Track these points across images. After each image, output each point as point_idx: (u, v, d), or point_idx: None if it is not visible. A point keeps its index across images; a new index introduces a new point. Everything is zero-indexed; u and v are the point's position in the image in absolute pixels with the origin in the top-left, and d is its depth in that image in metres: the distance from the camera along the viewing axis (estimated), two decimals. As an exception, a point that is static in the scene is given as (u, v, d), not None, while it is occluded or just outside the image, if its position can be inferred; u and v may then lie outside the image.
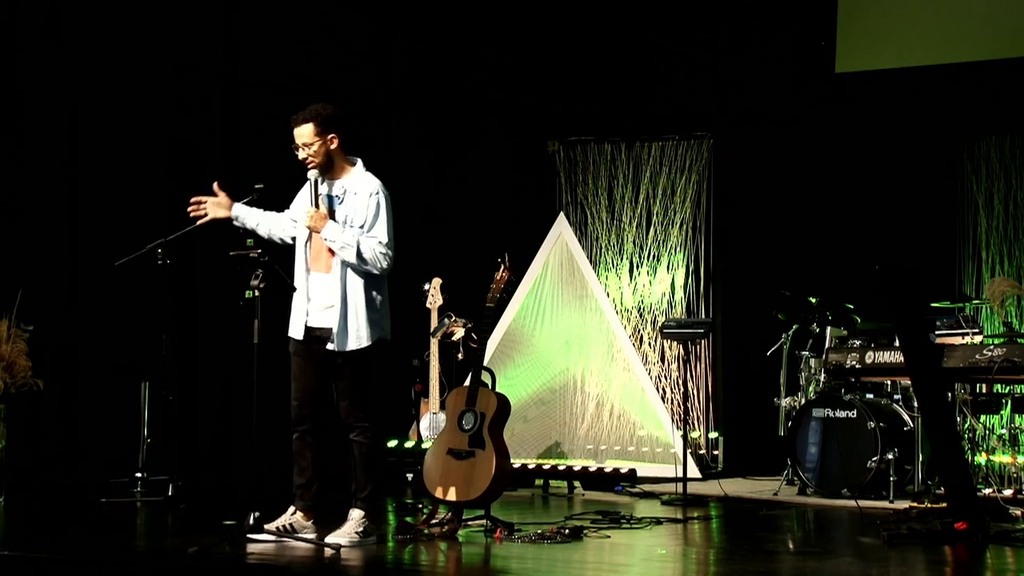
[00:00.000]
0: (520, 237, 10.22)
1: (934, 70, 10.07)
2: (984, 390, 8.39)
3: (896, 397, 9.07)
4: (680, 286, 10.56)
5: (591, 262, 10.57)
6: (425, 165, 10.97)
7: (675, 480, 9.02)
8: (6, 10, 9.17)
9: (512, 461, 7.86)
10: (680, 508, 8.33)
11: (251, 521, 6.62)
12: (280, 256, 6.88)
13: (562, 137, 10.96)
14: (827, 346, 9.18)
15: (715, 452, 10.33)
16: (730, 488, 9.18)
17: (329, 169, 6.81)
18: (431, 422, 9.61)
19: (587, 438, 10.22)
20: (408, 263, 10.11)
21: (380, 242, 6.72)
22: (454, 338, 7.68)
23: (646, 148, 10.74)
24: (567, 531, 7.13)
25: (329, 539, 6.67)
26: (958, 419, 8.26)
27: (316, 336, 6.77)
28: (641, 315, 10.62)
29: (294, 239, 6.92)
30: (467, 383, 7.47)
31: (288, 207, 7.03)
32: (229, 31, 10.10)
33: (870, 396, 9.11)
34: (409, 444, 9.67)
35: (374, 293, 6.78)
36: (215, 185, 6.92)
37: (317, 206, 6.77)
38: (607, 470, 9.55)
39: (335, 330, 6.71)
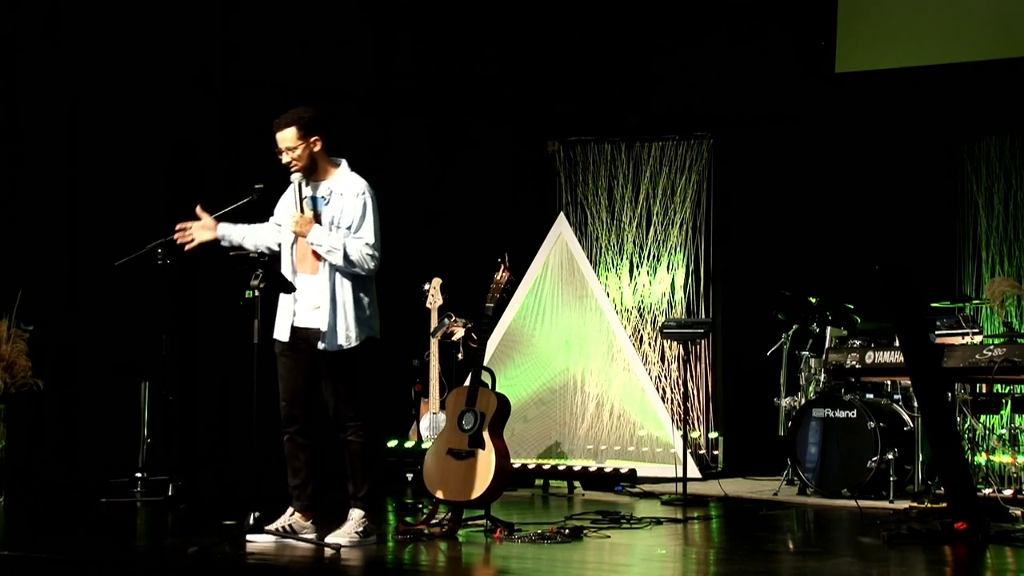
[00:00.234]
0: (520, 237, 10.21)
1: (934, 70, 10.07)
2: (984, 390, 8.39)
3: (896, 397, 9.07)
4: (680, 286, 10.56)
5: (591, 262, 10.57)
6: (425, 165, 10.97)
7: (675, 480, 9.02)
8: (6, 10, 9.17)
9: (512, 461, 7.86)
10: (680, 508, 8.33)
11: (251, 521, 6.62)
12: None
13: (562, 137, 10.96)
14: (827, 346, 9.18)
15: (715, 452, 10.33)
16: (730, 488, 9.18)
17: (313, 171, 6.81)
18: (431, 422, 9.61)
19: (587, 438, 10.22)
20: (408, 263, 10.18)
21: (367, 243, 6.72)
22: (454, 338, 7.68)
23: (646, 148, 10.74)
24: (567, 531, 7.13)
25: (329, 539, 6.67)
26: (958, 419, 8.26)
27: (303, 336, 6.77)
28: (641, 315, 10.62)
29: (280, 245, 6.92)
30: (467, 383, 7.47)
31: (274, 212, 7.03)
32: (229, 31, 10.10)
33: (870, 396, 9.11)
34: (409, 444, 9.67)
35: (362, 293, 6.78)
36: (197, 208, 6.92)
37: (302, 210, 6.76)
38: (607, 470, 9.55)
39: (324, 330, 6.70)
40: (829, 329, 9.34)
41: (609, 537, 7.18)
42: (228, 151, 9.89)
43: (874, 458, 8.62)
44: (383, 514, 7.90)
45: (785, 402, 9.54)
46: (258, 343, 6.66)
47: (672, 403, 10.27)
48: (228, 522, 7.33)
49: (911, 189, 10.09)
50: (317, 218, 6.76)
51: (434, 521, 7.27)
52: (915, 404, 8.57)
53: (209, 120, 9.90)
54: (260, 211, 7.08)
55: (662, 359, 10.50)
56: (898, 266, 7.31)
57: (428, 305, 9.56)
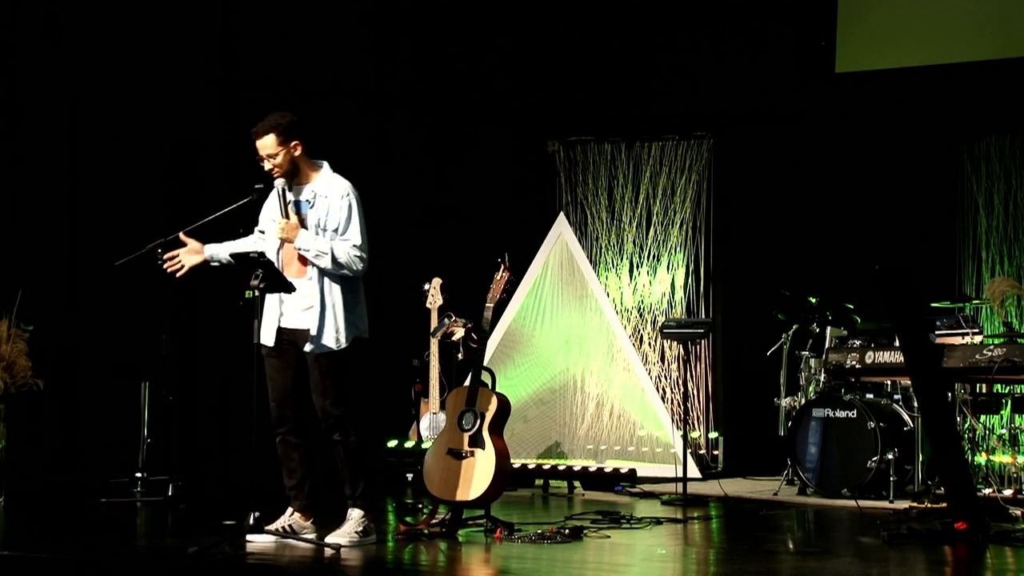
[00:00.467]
0: (520, 237, 10.22)
1: (934, 70, 10.07)
2: (984, 390, 8.38)
3: (896, 397, 9.07)
4: (680, 286, 10.56)
5: (591, 262, 10.57)
6: (425, 165, 10.97)
7: (675, 480, 9.02)
8: (6, 10, 9.17)
9: (512, 461, 7.87)
10: (680, 508, 8.34)
11: (251, 521, 6.62)
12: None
13: (562, 137, 10.96)
14: (827, 346, 9.18)
15: (715, 452, 10.33)
16: (730, 488, 9.18)
17: (296, 175, 6.80)
18: (431, 422, 9.62)
19: (587, 438, 10.22)
20: (408, 263, 10.19)
21: (354, 245, 6.71)
22: (454, 338, 7.68)
23: (646, 148, 10.74)
24: (567, 531, 7.13)
25: (329, 539, 6.67)
26: (958, 419, 8.26)
27: (290, 337, 6.77)
28: (641, 315, 10.62)
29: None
30: (467, 383, 7.47)
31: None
32: (229, 31, 10.10)
33: (870, 396, 9.11)
34: (409, 444, 9.68)
35: (350, 294, 6.78)
36: (181, 234, 6.92)
37: (287, 215, 6.76)
38: (607, 470, 9.55)
39: (313, 332, 6.70)
40: (829, 329, 9.34)
41: (609, 537, 7.18)
42: (228, 151, 9.89)
43: (874, 458, 8.62)
44: (383, 514, 7.90)
45: (785, 402, 9.54)
46: (258, 343, 6.67)
47: (672, 403, 10.27)
48: (228, 522, 7.34)
49: (911, 189, 10.09)
50: (303, 222, 6.76)
51: (434, 521, 7.27)
52: (915, 404, 8.57)
53: (209, 120, 9.90)
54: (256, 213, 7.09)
55: (662, 359, 10.50)
56: (898, 266, 7.31)
57: (428, 305, 9.56)
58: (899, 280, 7.16)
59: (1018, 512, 7.63)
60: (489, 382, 7.43)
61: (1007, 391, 8.49)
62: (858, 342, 8.82)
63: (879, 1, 10.47)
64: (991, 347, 7.59)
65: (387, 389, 10.19)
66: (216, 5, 10.04)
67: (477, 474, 7.19)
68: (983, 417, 8.62)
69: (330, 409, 6.74)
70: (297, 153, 6.76)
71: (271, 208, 6.90)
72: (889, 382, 9.10)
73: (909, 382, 8.67)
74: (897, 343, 8.12)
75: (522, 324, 10.42)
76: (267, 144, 6.72)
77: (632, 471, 9.47)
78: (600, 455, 10.12)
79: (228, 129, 9.98)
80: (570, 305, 10.43)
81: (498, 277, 7.53)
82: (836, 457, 8.84)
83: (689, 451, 9.10)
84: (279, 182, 6.78)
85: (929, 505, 7.83)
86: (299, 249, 6.71)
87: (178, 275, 6.93)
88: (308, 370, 6.76)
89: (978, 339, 8.34)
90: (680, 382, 10.22)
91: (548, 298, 10.47)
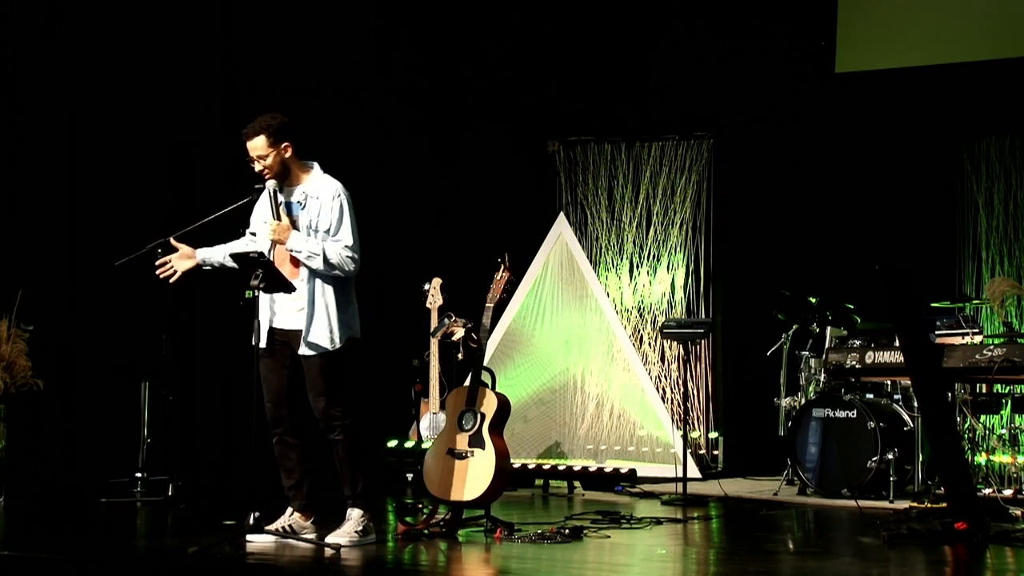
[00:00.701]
0: (520, 237, 10.21)
1: (934, 70, 10.07)
2: (984, 390, 8.38)
3: (896, 397, 9.07)
4: (680, 286, 10.56)
5: (591, 262, 10.57)
6: (425, 165, 10.97)
7: (675, 480, 9.02)
8: (6, 10, 9.17)
9: (512, 461, 7.87)
10: (680, 508, 8.34)
11: (251, 521, 6.62)
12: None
13: (562, 137, 10.96)
14: (827, 346, 9.18)
15: (715, 452, 10.33)
16: (730, 488, 9.18)
17: (286, 177, 6.81)
18: (431, 422, 9.62)
19: (587, 438, 10.22)
20: (408, 263, 10.19)
21: (346, 245, 6.72)
22: (454, 338, 7.68)
23: (646, 148, 10.74)
24: (567, 531, 7.13)
25: (329, 539, 6.67)
26: (958, 419, 8.26)
27: (283, 338, 6.77)
28: (641, 315, 10.62)
29: None
30: (467, 383, 7.47)
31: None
32: (229, 31, 10.10)
33: (870, 396, 9.11)
34: (409, 444, 9.68)
35: (342, 295, 6.78)
36: (171, 239, 6.92)
37: (278, 217, 6.77)
38: (607, 470, 9.55)
39: (306, 333, 6.71)
40: (829, 329, 9.34)
41: (609, 537, 7.18)
42: (228, 151, 9.88)
43: (874, 458, 8.62)
44: (383, 514, 7.90)
45: (785, 402, 9.54)
46: (257, 344, 6.67)
47: (672, 403, 10.27)
48: (228, 522, 7.34)
49: (911, 189, 10.09)
50: (294, 224, 6.77)
51: (434, 521, 7.27)
52: (915, 404, 8.57)
53: (209, 120, 9.90)
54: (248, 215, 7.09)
55: (662, 359, 10.50)
56: (898, 266, 7.32)
57: (428, 305, 9.56)
58: (899, 280, 7.16)
59: (1018, 512, 7.63)
60: (489, 382, 7.43)
61: (1007, 391, 8.49)
62: (858, 342, 8.82)
63: (879, 1, 10.47)
64: (991, 347, 7.59)
65: (387, 389, 10.19)
66: (216, 5, 10.04)
67: (477, 474, 7.19)
68: (983, 417, 8.62)
69: (327, 409, 6.74)
70: (288, 155, 6.77)
71: (262, 210, 6.91)
72: (889, 382, 9.10)
73: (909, 382, 8.67)
74: (897, 343, 8.12)
75: (522, 324, 10.42)
76: (257, 145, 6.73)
77: (632, 471, 9.47)
78: (600, 455, 10.12)
79: (228, 129, 9.97)
80: (570, 305, 10.43)
81: (498, 277, 7.53)
82: (836, 457, 8.84)
83: (689, 451, 9.10)
84: (270, 183, 6.79)
85: (929, 505, 7.83)
86: (291, 250, 6.72)
87: (171, 281, 6.93)
88: (302, 370, 6.76)
89: (978, 339, 8.34)
90: (680, 382, 10.22)
91: (548, 298, 10.47)
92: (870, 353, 8.32)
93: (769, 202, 10.52)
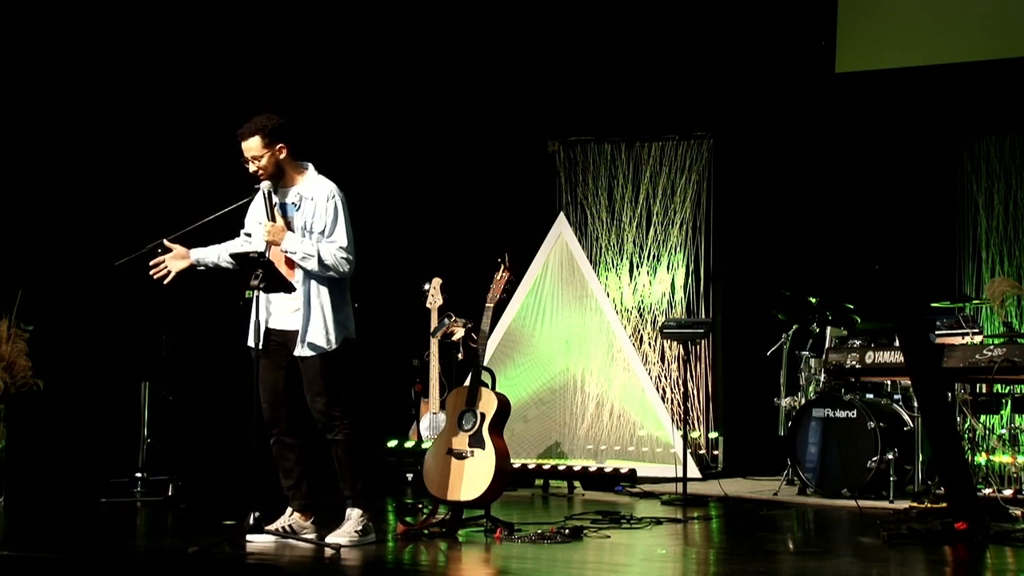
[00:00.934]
0: (520, 237, 10.21)
1: (934, 70, 10.07)
2: (984, 390, 8.38)
3: (896, 397, 9.07)
4: (680, 286, 10.56)
5: (591, 262, 10.57)
6: (425, 165, 10.97)
7: (675, 480, 9.02)
8: (6, 10, 9.17)
9: (512, 461, 7.87)
10: (680, 508, 8.34)
11: (251, 521, 6.62)
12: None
13: (562, 137, 10.96)
14: (827, 346, 9.18)
15: (715, 452, 10.33)
16: (730, 488, 9.18)
17: (281, 178, 6.82)
18: (431, 422, 9.61)
19: (587, 438, 10.22)
20: (408, 263, 10.18)
21: (340, 247, 6.71)
22: (454, 338, 7.68)
23: (646, 148, 10.74)
24: (567, 531, 7.13)
25: (329, 539, 6.67)
26: (958, 419, 8.26)
27: (280, 339, 6.77)
28: (641, 315, 10.62)
29: None
30: (467, 383, 7.47)
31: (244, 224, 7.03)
32: (229, 30, 10.09)
33: (870, 396, 9.11)
34: (409, 444, 9.67)
35: (337, 296, 6.78)
36: (165, 241, 6.93)
37: (273, 218, 6.77)
38: (607, 470, 9.55)
39: (302, 334, 6.71)
40: (829, 329, 9.34)
41: (609, 537, 7.18)
42: (228, 151, 9.87)
43: (874, 458, 8.62)
44: (383, 514, 7.90)
45: (785, 402, 9.54)
46: (257, 344, 6.67)
47: (672, 403, 10.27)
48: (228, 522, 7.34)
49: (911, 189, 10.09)
50: (288, 225, 6.77)
51: (434, 521, 7.27)
52: (915, 404, 8.57)
53: (209, 120, 9.90)
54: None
55: (662, 359, 10.50)
56: (898, 266, 7.32)
57: (428, 305, 9.56)
58: (899, 280, 7.16)
59: (1018, 512, 7.63)
60: (489, 382, 7.43)
61: (1007, 391, 8.49)
62: (858, 342, 8.82)
63: (879, 1, 10.47)
64: (991, 347, 7.59)
65: (387, 389, 10.18)
66: (216, 5, 10.03)
67: (477, 474, 7.19)
68: (983, 417, 8.62)
69: (324, 410, 6.74)
70: (282, 156, 6.78)
71: (257, 211, 6.91)
72: (889, 382, 9.10)
73: (909, 382, 8.67)
74: (897, 343, 8.12)
75: (522, 324, 10.42)
76: (252, 146, 6.74)
77: (632, 471, 9.47)
78: (600, 455, 10.12)
79: (228, 129, 9.96)
80: (570, 305, 10.43)
81: (498, 277, 7.53)
82: (836, 457, 8.84)
83: (689, 451, 9.10)
84: (265, 184, 6.79)
85: (929, 505, 7.83)
86: (285, 252, 6.72)
87: (165, 282, 6.93)
88: (299, 371, 6.76)
89: (978, 339, 8.34)
90: (680, 382, 10.22)
91: (548, 298, 10.46)
92: (870, 353, 8.32)
93: (769, 202, 10.52)
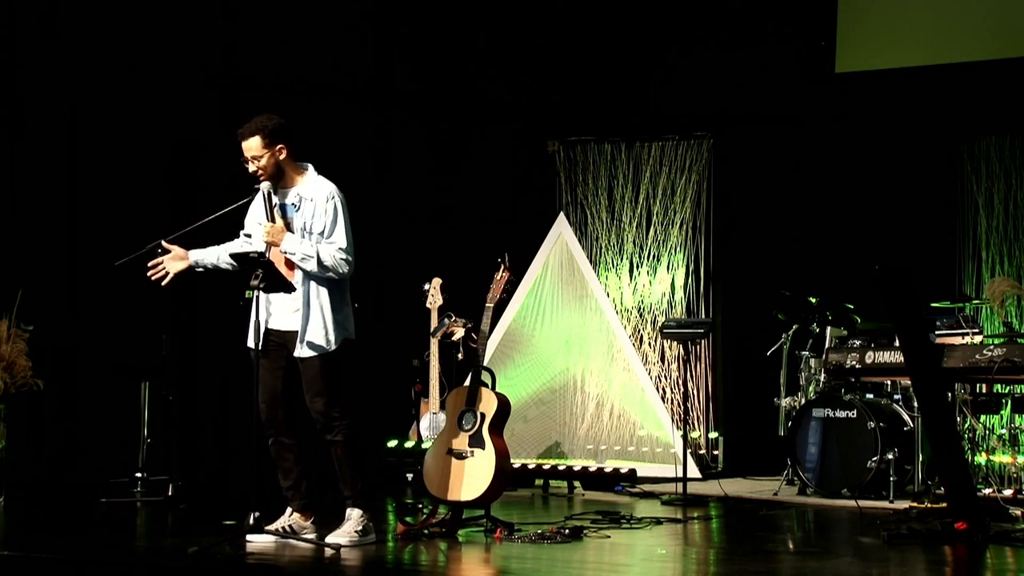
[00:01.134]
0: (520, 237, 10.21)
1: (934, 70, 10.07)
2: (984, 390, 8.38)
3: (896, 397, 9.07)
4: (680, 286, 10.55)
5: (591, 262, 10.57)
6: (425, 165, 10.97)
7: (675, 480, 9.02)
8: (6, 9, 9.17)
9: (512, 461, 7.87)
10: (680, 508, 8.34)
11: (251, 521, 6.62)
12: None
13: (562, 137, 10.95)
14: (827, 346, 9.18)
15: (715, 452, 10.33)
16: (730, 488, 9.18)
17: (280, 179, 6.82)
18: (431, 422, 9.61)
19: (587, 438, 10.22)
20: (408, 263, 10.18)
21: (340, 248, 6.71)
22: (454, 338, 7.68)
23: (646, 148, 10.74)
24: (567, 531, 7.13)
25: (329, 539, 6.67)
26: (958, 419, 8.26)
27: (279, 339, 6.77)
28: (641, 315, 10.62)
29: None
30: (467, 383, 7.47)
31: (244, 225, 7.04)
32: (229, 30, 10.09)
33: (870, 396, 9.11)
34: (409, 444, 9.67)
35: (337, 296, 6.78)
36: (163, 242, 6.93)
37: (273, 219, 6.77)
38: (607, 470, 9.55)
39: (302, 334, 6.71)
40: (829, 329, 9.34)
41: (609, 537, 7.18)
42: (228, 151, 9.87)
43: (874, 458, 8.62)
44: (383, 514, 7.90)
45: (785, 402, 9.54)
46: (257, 345, 6.67)
47: (672, 403, 10.27)
48: (228, 522, 7.34)
49: (911, 189, 10.09)
50: (288, 226, 6.77)
51: (434, 521, 7.27)
52: (915, 404, 8.57)
53: (209, 120, 9.90)
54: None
55: (662, 359, 10.50)
56: (898, 266, 7.31)
57: (428, 305, 9.56)
58: (899, 280, 7.16)
59: (1018, 512, 7.63)
60: (489, 382, 7.43)
61: (1007, 391, 8.49)
62: (858, 342, 8.82)
63: (879, 1, 10.47)
64: (991, 347, 7.59)
65: (387, 389, 10.18)
66: (216, 4, 10.03)
67: (477, 474, 7.19)
68: (983, 417, 8.62)
69: (324, 410, 6.74)
70: (282, 156, 6.78)
71: (256, 211, 6.91)
72: (889, 382, 9.10)
73: (909, 382, 8.67)
74: (897, 343, 8.12)
75: (522, 324, 10.42)
76: (252, 146, 6.74)
77: (632, 471, 9.47)
78: (600, 455, 10.12)
79: (228, 129, 9.96)
80: (570, 305, 10.43)
81: (498, 277, 7.53)
82: (836, 457, 8.84)
83: (689, 451, 9.10)
84: (264, 185, 6.79)
85: (929, 505, 7.83)
86: (285, 252, 6.72)
87: (163, 283, 6.93)
88: (297, 371, 6.76)
89: (978, 339, 8.34)
90: (680, 382, 10.22)
91: (548, 298, 10.46)
92: (870, 353, 8.32)
93: (769, 202, 10.52)
